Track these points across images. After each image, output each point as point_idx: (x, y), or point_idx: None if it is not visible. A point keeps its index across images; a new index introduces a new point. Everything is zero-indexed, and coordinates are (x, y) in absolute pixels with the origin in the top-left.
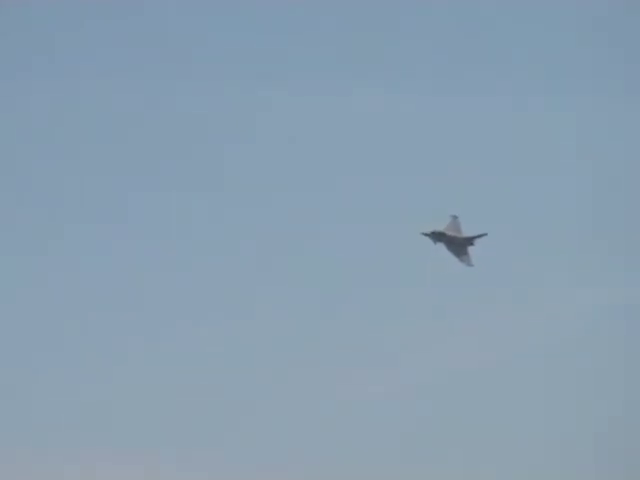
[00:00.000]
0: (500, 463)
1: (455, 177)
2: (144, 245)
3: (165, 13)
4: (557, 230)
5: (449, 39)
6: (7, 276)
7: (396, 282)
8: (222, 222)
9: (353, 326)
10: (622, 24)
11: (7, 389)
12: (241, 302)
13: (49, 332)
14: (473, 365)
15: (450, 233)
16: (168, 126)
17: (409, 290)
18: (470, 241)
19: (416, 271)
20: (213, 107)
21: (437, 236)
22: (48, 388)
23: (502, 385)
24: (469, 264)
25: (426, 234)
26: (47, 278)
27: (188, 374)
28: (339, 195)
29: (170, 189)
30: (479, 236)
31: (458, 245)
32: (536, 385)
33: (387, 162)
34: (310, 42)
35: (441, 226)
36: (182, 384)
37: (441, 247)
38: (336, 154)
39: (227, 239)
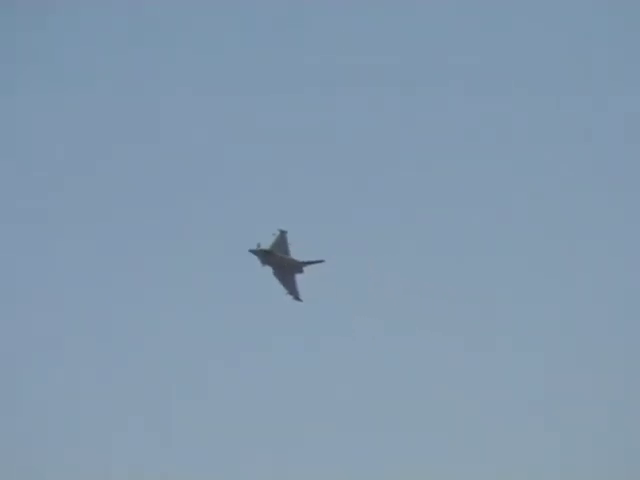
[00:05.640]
0: None
1: None
2: None
3: None
4: None
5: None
6: None
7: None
8: None
9: None
10: None
11: None
12: None
13: None
14: None
15: (279, 253)
16: None
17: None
18: (300, 267)
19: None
20: None
21: (265, 255)
22: None
23: None
24: (297, 298)
25: (254, 251)
26: None
27: None
28: None
29: None
30: (314, 262)
31: (287, 269)
32: None
33: None
34: None
35: (267, 242)
36: None
37: (268, 270)
38: None
39: None
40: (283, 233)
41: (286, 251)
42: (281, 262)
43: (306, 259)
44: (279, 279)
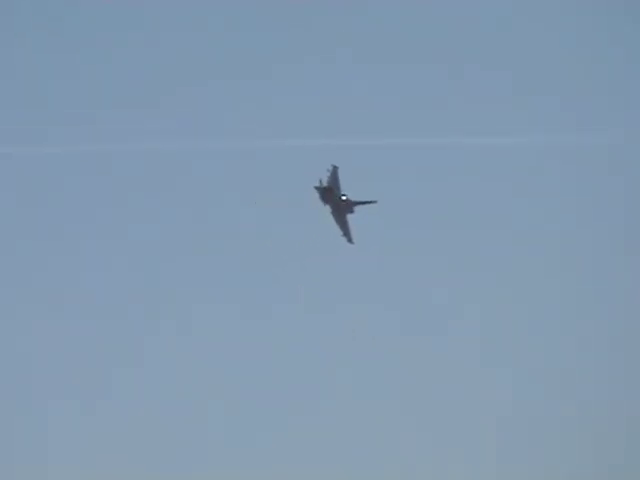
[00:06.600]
0: None
1: None
2: None
3: None
4: None
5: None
6: None
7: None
8: None
9: None
10: None
11: None
12: None
13: None
14: None
15: (337, 191)
16: None
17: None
18: (352, 206)
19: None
20: None
21: (324, 193)
22: None
23: None
24: (350, 240)
25: (318, 188)
26: None
27: None
28: None
29: None
30: (367, 203)
31: (341, 208)
32: None
33: None
34: None
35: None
36: None
37: (327, 210)
38: None
39: None
40: (335, 168)
41: (338, 188)
42: (338, 201)
43: (358, 199)
44: (334, 219)
